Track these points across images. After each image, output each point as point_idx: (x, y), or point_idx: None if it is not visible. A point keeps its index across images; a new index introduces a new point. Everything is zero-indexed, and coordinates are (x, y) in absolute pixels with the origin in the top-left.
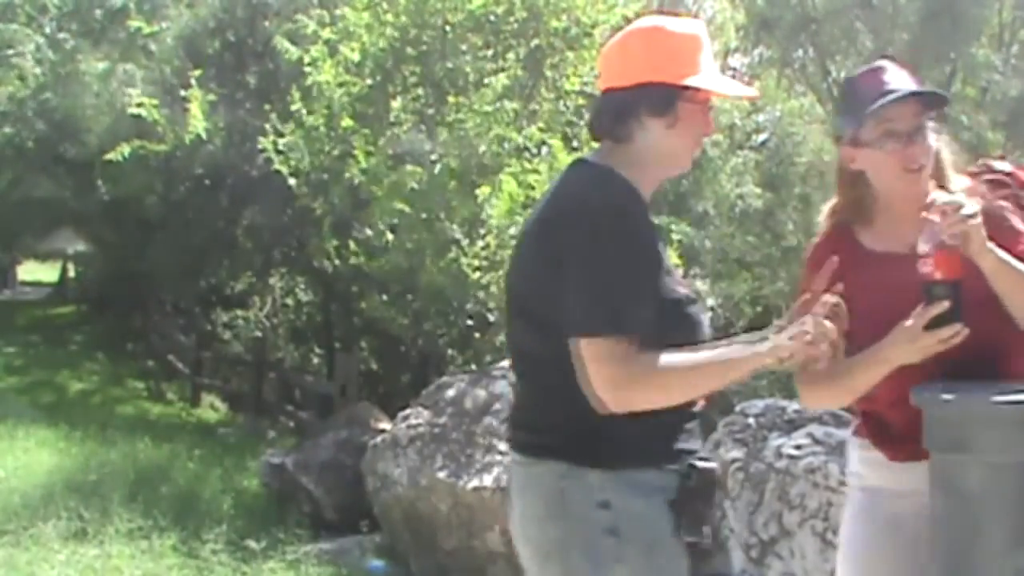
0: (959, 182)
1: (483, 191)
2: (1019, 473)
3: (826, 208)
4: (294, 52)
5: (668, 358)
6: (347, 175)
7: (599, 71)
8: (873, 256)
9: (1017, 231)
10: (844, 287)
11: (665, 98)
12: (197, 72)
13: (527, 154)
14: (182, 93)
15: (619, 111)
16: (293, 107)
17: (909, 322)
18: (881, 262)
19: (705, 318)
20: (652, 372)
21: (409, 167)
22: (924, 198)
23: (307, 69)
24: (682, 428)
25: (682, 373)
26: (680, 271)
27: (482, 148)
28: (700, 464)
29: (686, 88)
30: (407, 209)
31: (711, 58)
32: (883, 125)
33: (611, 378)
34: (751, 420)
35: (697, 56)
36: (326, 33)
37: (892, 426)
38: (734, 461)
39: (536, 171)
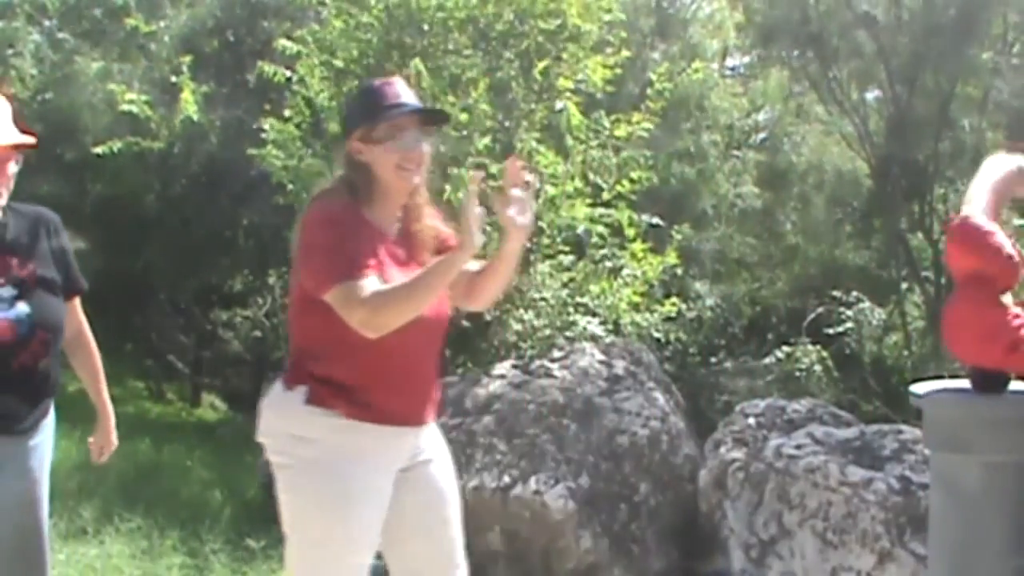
0: (424, 192)
1: (448, 190)
2: (1019, 473)
3: (326, 183)
4: (291, 50)
5: None
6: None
7: None
8: (374, 227)
9: None
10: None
11: None
12: (187, 58)
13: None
14: (173, 80)
15: None
16: (287, 112)
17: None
18: (379, 235)
19: None
20: None
21: None
22: (410, 192)
23: (294, 85)
24: None
25: None
26: None
27: (443, 147)
28: None
29: None
30: None
31: None
32: (392, 130)
33: None
34: (751, 420)
35: None
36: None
37: (358, 391)
38: (734, 461)
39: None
